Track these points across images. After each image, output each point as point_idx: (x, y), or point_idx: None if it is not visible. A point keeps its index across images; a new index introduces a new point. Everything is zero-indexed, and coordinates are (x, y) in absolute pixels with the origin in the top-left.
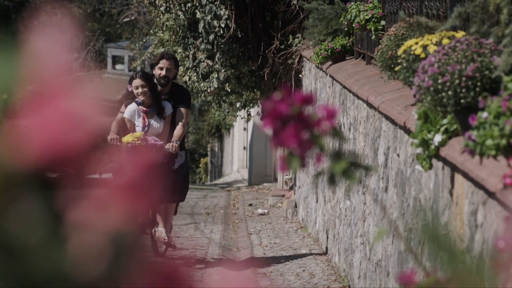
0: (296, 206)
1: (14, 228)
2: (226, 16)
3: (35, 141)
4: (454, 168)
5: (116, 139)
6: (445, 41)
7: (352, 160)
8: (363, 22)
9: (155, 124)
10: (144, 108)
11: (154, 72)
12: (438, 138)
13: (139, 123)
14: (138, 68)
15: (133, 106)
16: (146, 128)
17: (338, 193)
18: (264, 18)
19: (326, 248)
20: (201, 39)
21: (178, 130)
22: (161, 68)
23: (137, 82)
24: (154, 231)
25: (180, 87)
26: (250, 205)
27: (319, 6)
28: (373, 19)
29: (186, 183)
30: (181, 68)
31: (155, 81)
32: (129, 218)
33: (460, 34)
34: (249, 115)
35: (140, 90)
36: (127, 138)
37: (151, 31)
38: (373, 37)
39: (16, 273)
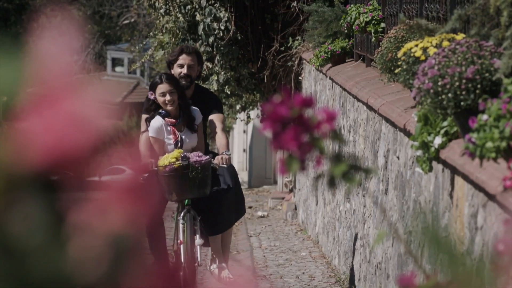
0: (296, 208)
1: (15, 230)
2: (226, 19)
3: (37, 144)
4: (454, 171)
5: (152, 163)
6: (445, 43)
7: (352, 162)
8: (363, 24)
9: (188, 138)
10: (173, 120)
11: (172, 72)
12: (438, 140)
13: (169, 140)
14: (138, 71)
15: (158, 120)
16: (179, 145)
17: (338, 195)
18: (264, 20)
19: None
20: (200, 41)
21: (222, 138)
22: (181, 66)
23: (164, 87)
24: (212, 269)
25: (207, 90)
26: (250, 207)
27: (319, 8)
28: (373, 21)
29: (241, 196)
30: None
31: None
32: (130, 221)
33: (460, 37)
34: (248, 117)
35: (168, 97)
36: (163, 161)
37: (151, 33)
38: (373, 39)
39: (17, 275)
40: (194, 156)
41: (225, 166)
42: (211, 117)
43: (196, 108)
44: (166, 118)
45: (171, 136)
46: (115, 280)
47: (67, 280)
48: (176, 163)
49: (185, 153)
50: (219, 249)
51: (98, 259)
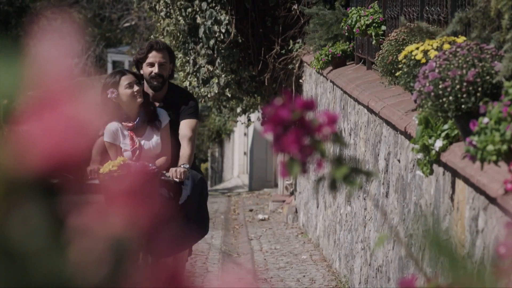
0: (296, 211)
1: (15, 233)
2: (227, 21)
3: (37, 147)
4: (455, 174)
5: (94, 171)
6: (446, 46)
7: (353, 165)
8: (363, 27)
9: (148, 144)
10: (129, 124)
11: (142, 72)
12: (439, 143)
13: (126, 145)
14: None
15: (114, 124)
16: (138, 152)
17: (339, 198)
18: (265, 23)
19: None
20: (201, 44)
21: (186, 148)
22: (151, 64)
23: (130, 78)
24: None
25: (181, 90)
26: (251, 210)
27: (320, 11)
28: (374, 24)
29: (204, 213)
30: (181, 73)
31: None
32: (129, 224)
33: (461, 39)
34: (249, 120)
35: (136, 88)
36: (105, 168)
37: (152, 36)
38: (374, 42)
39: (17, 279)
40: (139, 165)
41: (177, 180)
42: (182, 122)
43: (161, 109)
44: (123, 122)
45: (128, 142)
46: (116, 283)
47: (67, 284)
48: (117, 172)
49: (129, 162)
50: None
51: (98, 262)
